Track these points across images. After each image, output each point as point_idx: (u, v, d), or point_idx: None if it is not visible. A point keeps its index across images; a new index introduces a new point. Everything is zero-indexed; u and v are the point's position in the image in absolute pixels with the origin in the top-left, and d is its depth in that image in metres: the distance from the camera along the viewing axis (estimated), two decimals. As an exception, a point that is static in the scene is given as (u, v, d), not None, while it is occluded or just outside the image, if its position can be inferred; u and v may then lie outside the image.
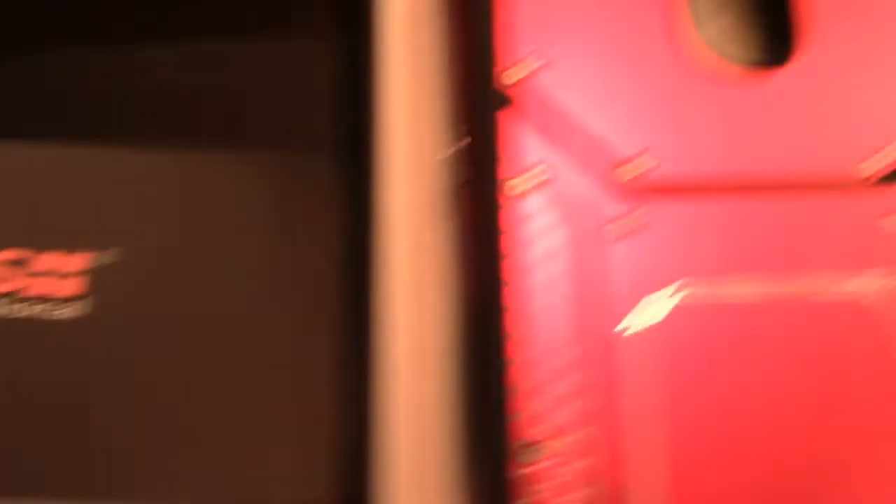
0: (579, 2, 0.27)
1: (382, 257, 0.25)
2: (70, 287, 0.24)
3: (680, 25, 0.27)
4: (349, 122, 0.26)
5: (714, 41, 0.28)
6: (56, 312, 0.23)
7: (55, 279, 0.24)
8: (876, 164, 0.26)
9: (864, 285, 0.26)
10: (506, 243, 0.25)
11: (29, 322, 0.23)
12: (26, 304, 0.24)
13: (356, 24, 0.27)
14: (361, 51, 0.26)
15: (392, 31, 0.27)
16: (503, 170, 0.25)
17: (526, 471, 0.23)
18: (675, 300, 0.25)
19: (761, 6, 0.29)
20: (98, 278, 0.24)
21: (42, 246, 0.24)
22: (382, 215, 0.25)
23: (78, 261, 0.24)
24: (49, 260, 0.24)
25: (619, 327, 0.25)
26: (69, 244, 0.24)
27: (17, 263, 0.24)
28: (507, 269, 0.25)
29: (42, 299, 0.24)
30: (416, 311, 0.25)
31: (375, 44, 0.26)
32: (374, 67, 0.26)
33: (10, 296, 0.24)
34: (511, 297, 0.24)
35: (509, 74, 0.26)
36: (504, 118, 0.26)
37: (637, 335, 0.25)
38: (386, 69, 0.26)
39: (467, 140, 0.26)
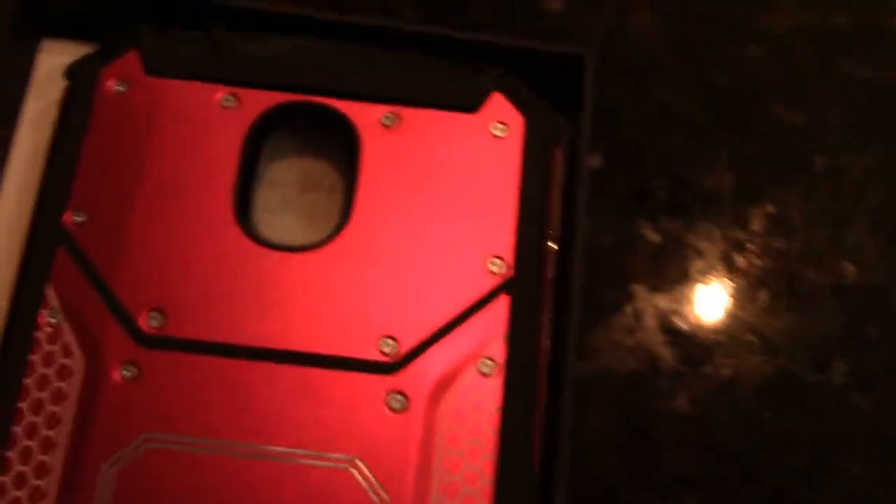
0: (136, 167, 0.29)
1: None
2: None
3: (225, 207, 0.29)
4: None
5: (255, 225, 0.30)
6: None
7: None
8: (387, 349, 0.27)
9: (344, 460, 0.26)
10: (27, 366, 0.27)
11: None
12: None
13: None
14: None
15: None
16: (48, 298, 0.27)
17: None
18: (163, 444, 0.26)
19: (299, 194, 0.31)
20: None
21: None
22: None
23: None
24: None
25: (111, 460, 0.26)
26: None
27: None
28: (27, 387, 0.27)
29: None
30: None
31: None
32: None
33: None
34: (15, 415, 0.26)
35: (72, 218, 0.28)
36: (60, 254, 0.28)
37: (123, 471, 0.26)
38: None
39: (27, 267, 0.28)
